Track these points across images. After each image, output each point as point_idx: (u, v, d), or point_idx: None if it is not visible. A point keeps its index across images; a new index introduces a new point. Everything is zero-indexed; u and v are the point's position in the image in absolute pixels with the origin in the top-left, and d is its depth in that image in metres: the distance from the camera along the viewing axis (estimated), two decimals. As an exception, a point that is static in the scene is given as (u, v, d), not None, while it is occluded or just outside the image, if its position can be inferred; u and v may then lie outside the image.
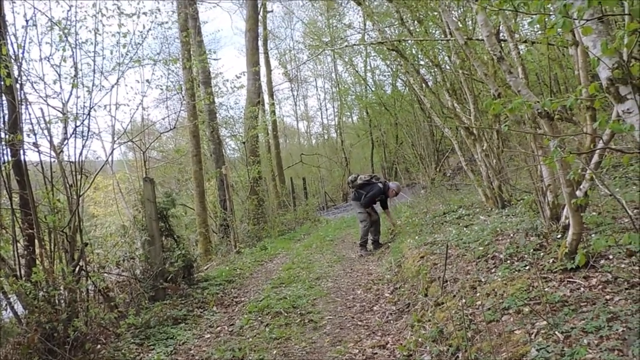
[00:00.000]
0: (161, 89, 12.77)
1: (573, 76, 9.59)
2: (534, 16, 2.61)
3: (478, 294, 4.19)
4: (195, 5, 14.64)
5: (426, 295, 5.08)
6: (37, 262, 4.83)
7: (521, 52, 6.94)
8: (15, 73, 5.02)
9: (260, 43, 20.50)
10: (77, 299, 4.85)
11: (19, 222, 5.05)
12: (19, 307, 4.68)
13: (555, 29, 2.29)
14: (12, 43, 5.12)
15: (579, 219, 3.85)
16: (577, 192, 3.92)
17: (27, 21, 5.14)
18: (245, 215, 15.17)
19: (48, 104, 5.27)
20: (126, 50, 6.26)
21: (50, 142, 5.20)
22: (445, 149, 19.62)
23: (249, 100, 17.33)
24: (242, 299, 6.91)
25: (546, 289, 3.61)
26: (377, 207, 9.79)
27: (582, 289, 3.52)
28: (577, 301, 3.34)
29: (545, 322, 3.16)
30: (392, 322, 5.05)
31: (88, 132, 5.60)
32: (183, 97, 11.90)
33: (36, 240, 4.97)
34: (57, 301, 4.64)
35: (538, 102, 3.38)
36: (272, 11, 26.89)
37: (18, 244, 5.04)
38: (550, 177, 4.69)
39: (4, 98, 5.11)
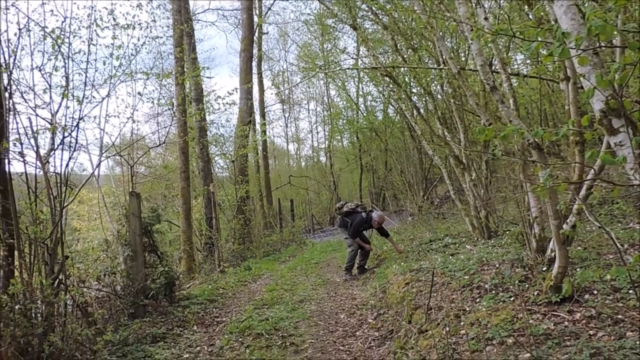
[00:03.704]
0: (152, 103, 12.73)
1: (562, 112, 9.73)
2: (529, 45, 2.61)
3: (462, 323, 4.16)
4: (191, 22, 14.71)
5: (410, 322, 5.02)
6: (16, 273, 4.72)
7: (513, 85, 7.04)
8: (5, 81, 4.96)
9: (254, 64, 20.62)
10: (55, 313, 4.74)
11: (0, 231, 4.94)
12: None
13: (554, 56, 2.29)
14: (3, 51, 5.06)
15: (565, 253, 3.85)
16: (564, 226, 3.93)
17: (20, 29, 5.09)
18: (231, 235, 15.04)
19: (37, 114, 5.20)
20: (119, 62, 6.24)
21: (37, 152, 5.12)
22: (434, 178, 19.67)
23: (240, 119, 17.34)
24: (224, 319, 6.80)
25: (530, 321, 3.59)
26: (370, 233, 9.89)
27: (566, 322, 3.50)
28: (561, 335, 3.32)
29: (528, 355, 3.14)
30: (374, 348, 4.98)
31: (76, 144, 5.53)
32: (174, 112, 11.85)
33: (16, 252, 4.86)
34: (33, 315, 4.53)
35: (529, 131, 3.40)
36: (267, 33, 27.27)
37: (-3, 254, 4.92)
38: (537, 209, 4.70)
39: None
